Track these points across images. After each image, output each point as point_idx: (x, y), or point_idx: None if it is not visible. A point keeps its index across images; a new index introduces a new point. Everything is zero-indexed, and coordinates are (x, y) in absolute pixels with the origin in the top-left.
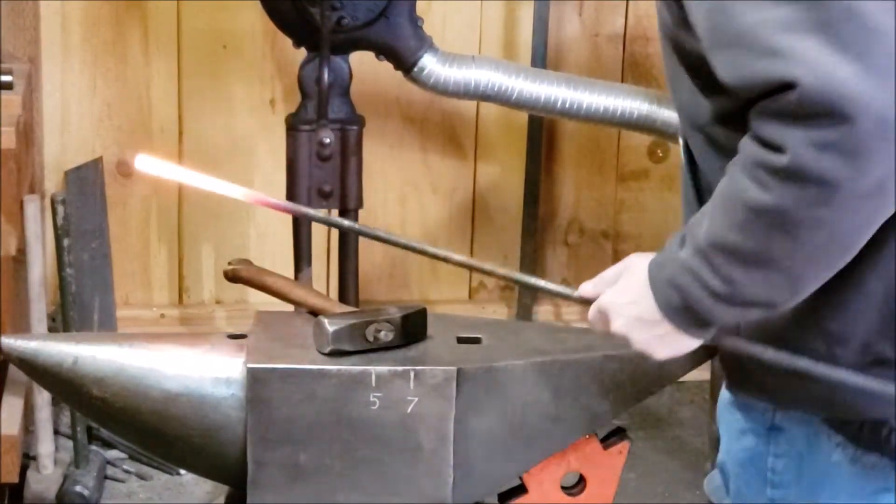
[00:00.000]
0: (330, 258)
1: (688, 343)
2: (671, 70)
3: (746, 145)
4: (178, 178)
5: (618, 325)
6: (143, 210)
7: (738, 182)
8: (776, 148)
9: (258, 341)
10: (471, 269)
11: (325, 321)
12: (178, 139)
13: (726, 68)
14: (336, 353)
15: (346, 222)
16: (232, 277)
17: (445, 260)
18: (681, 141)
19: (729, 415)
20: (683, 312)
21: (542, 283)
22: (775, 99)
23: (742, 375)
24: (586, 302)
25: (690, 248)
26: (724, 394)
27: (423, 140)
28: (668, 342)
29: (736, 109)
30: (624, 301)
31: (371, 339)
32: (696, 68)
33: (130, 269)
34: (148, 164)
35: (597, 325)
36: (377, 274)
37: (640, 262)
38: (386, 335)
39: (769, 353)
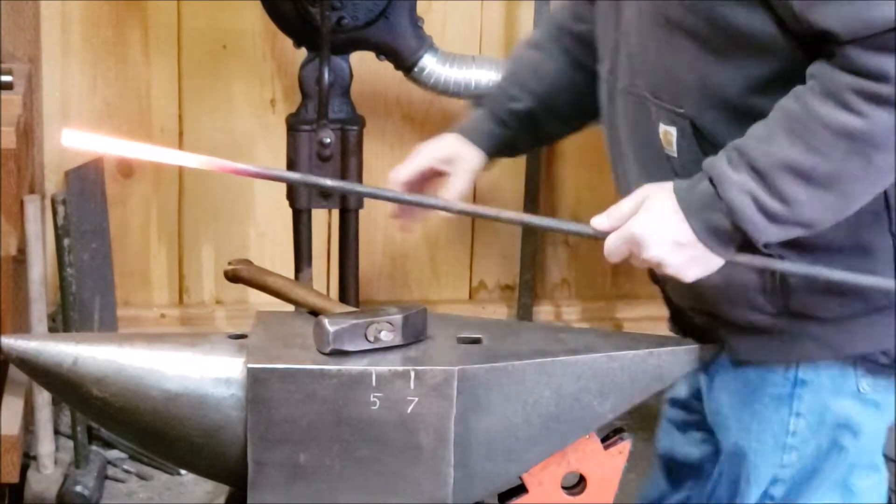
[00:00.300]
0: (330, 258)
1: (715, 262)
2: (672, 57)
3: (834, 75)
4: (110, 150)
5: (652, 252)
6: (143, 210)
7: (818, 107)
8: (879, 77)
9: (258, 341)
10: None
11: (326, 321)
12: (178, 139)
13: (833, 17)
14: (336, 353)
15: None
16: (232, 277)
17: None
18: (673, 129)
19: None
20: (725, 234)
21: (554, 222)
22: (879, 36)
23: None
24: (602, 236)
25: (747, 169)
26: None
27: (424, 140)
28: (699, 263)
29: (780, 72)
30: (657, 228)
31: (371, 338)
32: (739, 40)
33: (130, 269)
34: (75, 138)
35: (619, 254)
36: (377, 274)
37: (660, 191)
38: (386, 335)
39: (782, 264)
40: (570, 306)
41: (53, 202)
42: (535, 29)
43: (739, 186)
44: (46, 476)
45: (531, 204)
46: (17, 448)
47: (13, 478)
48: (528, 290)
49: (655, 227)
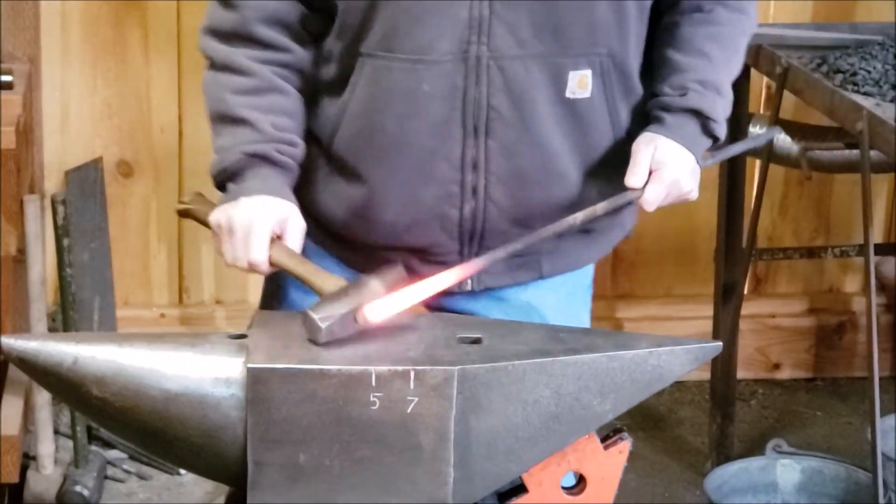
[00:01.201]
0: None
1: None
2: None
3: None
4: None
5: (686, 188)
6: (143, 210)
7: (730, 23)
8: None
9: (258, 341)
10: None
11: (315, 317)
12: (178, 139)
13: None
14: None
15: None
16: (183, 213)
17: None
18: (588, 72)
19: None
20: (706, 145)
21: (605, 204)
22: None
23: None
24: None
25: (714, 94)
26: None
27: None
28: (696, 176)
29: None
30: (681, 168)
31: (362, 320)
32: None
33: (130, 269)
34: (377, 311)
35: (660, 200)
36: None
37: (656, 138)
38: None
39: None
40: None
41: (53, 202)
42: (247, 75)
43: (722, 112)
44: (46, 476)
45: None
46: (17, 448)
47: (13, 478)
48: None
49: (680, 168)
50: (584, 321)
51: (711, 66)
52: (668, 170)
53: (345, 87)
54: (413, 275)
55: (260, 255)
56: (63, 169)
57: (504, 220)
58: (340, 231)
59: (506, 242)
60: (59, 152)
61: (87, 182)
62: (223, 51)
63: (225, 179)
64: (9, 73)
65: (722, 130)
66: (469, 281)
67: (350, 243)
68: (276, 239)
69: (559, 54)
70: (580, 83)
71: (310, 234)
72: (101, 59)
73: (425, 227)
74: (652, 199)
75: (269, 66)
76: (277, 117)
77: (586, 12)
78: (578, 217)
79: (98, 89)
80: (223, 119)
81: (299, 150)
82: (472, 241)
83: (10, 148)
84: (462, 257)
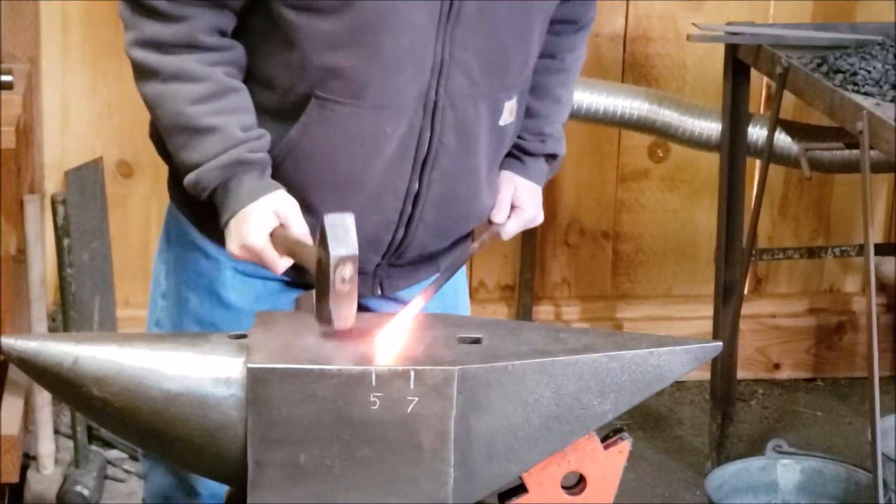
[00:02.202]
0: None
1: None
2: (525, 35)
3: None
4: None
5: (539, 219)
6: (143, 210)
7: (574, 67)
8: None
9: (258, 341)
10: None
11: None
12: None
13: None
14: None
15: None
16: None
17: None
18: (514, 101)
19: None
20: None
21: (486, 236)
22: None
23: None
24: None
25: (562, 130)
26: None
27: None
28: (541, 203)
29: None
30: (534, 203)
31: (342, 279)
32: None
33: (130, 269)
34: None
35: (516, 233)
36: None
37: (514, 178)
38: (349, 270)
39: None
40: (570, 306)
41: (53, 202)
42: (201, 80)
43: (562, 150)
44: (46, 476)
45: None
46: (17, 448)
47: (13, 478)
48: (528, 290)
49: (533, 203)
50: (465, 293)
51: (563, 108)
52: (527, 210)
53: (289, 120)
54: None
55: (281, 264)
56: (63, 169)
57: (427, 236)
58: None
59: (422, 253)
60: (59, 152)
61: (87, 182)
62: (170, 61)
63: (203, 193)
64: (9, 73)
65: (562, 150)
66: (379, 287)
67: None
68: (280, 229)
69: (500, 89)
70: (510, 111)
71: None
72: (101, 59)
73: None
74: (511, 231)
75: (220, 67)
76: (241, 116)
77: (525, 48)
78: (476, 246)
79: (98, 89)
80: (187, 131)
81: (266, 140)
82: (392, 254)
83: (10, 148)
84: (377, 267)
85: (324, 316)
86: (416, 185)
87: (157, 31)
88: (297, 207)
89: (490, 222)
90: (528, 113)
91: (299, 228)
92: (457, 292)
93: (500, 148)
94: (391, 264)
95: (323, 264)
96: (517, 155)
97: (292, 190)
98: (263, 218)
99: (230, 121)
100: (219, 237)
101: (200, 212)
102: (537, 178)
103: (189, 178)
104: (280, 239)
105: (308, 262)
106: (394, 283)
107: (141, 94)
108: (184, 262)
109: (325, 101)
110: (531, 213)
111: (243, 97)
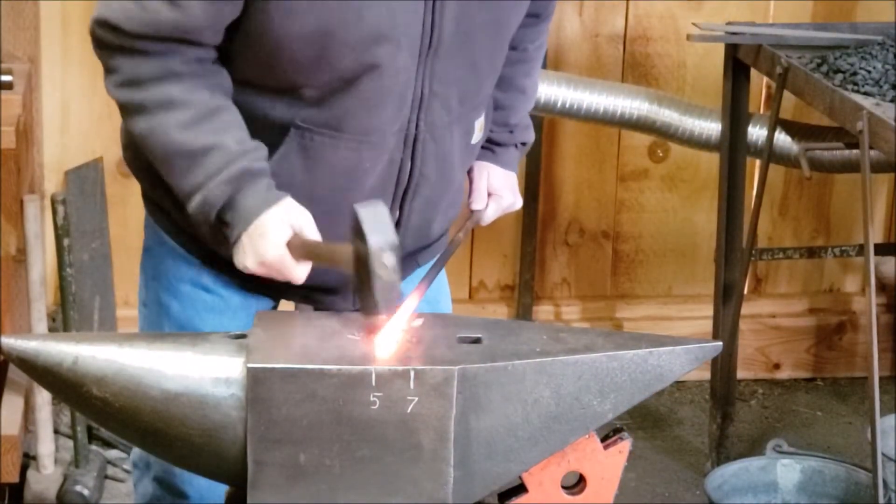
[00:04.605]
0: None
1: None
2: (496, 56)
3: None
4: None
5: (517, 204)
6: (143, 210)
7: (537, 56)
8: None
9: (258, 341)
10: None
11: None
12: None
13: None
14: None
15: None
16: None
17: None
18: (482, 118)
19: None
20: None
21: (468, 225)
22: None
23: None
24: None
25: (528, 118)
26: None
27: None
28: (517, 188)
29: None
30: (512, 189)
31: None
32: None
33: (130, 269)
34: None
35: (494, 218)
36: None
37: (488, 166)
38: (390, 258)
39: None
40: (570, 306)
41: (53, 202)
42: (189, 106)
43: (530, 137)
44: (46, 476)
45: (531, 203)
46: (17, 448)
47: (13, 478)
48: (528, 290)
49: (509, 189)
50: (445, 283)
51: (527, 99)
52: (505, 196)
53: (269, 148)
54: (306, 301)
55: (300, 273)
56: (63, 169)
57: (407, 248)
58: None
59: (404, 256)
60: (59, 152)
61: (87, 182)
62: (153, 92)
63: (210, 213)
64: (9, 73)
65: (531, 136)
66: None
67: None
68: (296, 237)
69: (471, 110)
70: (479, 127)
71: (215, 261)
72: None
73: (338, 273)
74: (490, 217)
75: (205, 91)
76: (236, 131)
77: (497, 69)
78: (461, 236)
79: (98, 89)
80: (184, 156)
81: (263, 151)
82: None
83: (10, 148)
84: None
85: (369, 307)
86: (397, 214)
87: (134, 69)
88: (308, 215)
89: (470, 211)
90: (494, 105)
91: (314, 236)
92: (438, 283)
93: (471, 160)
94: None
95: (362, 255)
96: (488, 146)
97: None
98: (279, 231)
99: (225, 137)
100: (195, 245)
101: (174, 218)
102: (510, 165)
103: (195, 201)
104: (298, 246)
105: (340, 260)
106: None
107: (133, 134)
108: (163, 269)
109: (303, 131)
110: (508, 199)
111: (233, 114)
